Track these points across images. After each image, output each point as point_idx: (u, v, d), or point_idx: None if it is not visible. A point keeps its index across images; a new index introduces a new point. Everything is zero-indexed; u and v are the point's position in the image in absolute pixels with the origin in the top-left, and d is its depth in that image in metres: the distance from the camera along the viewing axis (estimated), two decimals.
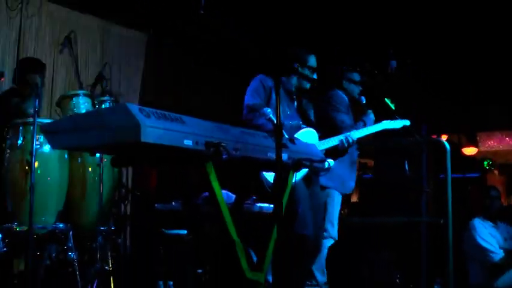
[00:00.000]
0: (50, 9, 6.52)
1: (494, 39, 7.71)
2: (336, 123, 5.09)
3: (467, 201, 6.57)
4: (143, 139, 2.62)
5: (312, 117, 4.80)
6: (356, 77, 5.42)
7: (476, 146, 12.72)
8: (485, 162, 12.38)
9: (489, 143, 13.33)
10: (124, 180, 6.17)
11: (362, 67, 5.08)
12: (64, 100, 5.32)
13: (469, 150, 12.55)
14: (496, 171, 14.07)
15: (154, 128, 2.69)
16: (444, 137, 9.95)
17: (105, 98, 5.49)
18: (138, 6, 6.68)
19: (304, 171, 4.18)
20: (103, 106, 5.40)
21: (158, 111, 2.83)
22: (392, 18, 7.04)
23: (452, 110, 9.57)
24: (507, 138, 13.16)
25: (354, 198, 8.74)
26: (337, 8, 6.80)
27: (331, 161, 4.20)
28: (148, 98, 7.32)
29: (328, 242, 5.02)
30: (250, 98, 4.48)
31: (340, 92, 5.35)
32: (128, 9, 6.74)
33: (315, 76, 4.73)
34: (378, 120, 5.18)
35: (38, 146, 4.46)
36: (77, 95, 5.28)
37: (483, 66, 8.52)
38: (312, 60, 4.76)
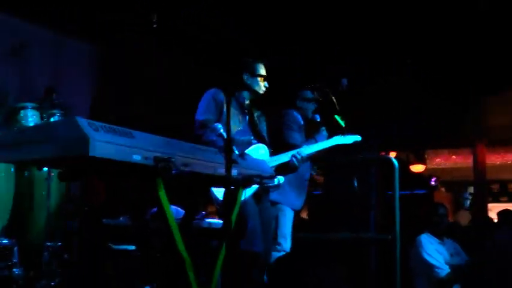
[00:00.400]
0: (0, 19, 6.41)
1: (443, 58, 7.89)
2: (287, 140, 5.11)
3: (415, 218, 6.66)
4: (91, 153, 2.60)
5: (264, 132, 4.80)
6: (309, 94, 5.46)
7: (423, 163, 12.96)
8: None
9: (436, 160, 13.61)
10: (72, 194, 6.08)
11: (314, 85, 5.12)
12: (12, 112, 5.22)
13: (417, 168, 12.77)
14: (442, 188, 14.34)
15: (103, 142, 2.67)
16: (393, 154, 10.10)
17: (54, 111, 5.41)
18: (90, 18, 6.62)
19: (254, 187, 4.18)
20: (52, 119, 5.32)
21: (107, 125, 2.80)
22: (344, 37, 7.14)
23: (401, 128, 9.74)
24: (453, 156, 13.45)
25: (304, 215, 8.80)
26: (289, 25, 6.87)
27: (281, 178, 4.23)
28: (99, 111, 7.24)
29: (279, 254, 5.04)
30: (201, 114, 4.46)
31: (295, 112, 5.38)
32: (80, 21, 6.68)
33: (266, 85, 4.72)
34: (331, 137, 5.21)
35: None
36: (25, 107, 5.19)
37: (431, 86, 8.70)
38: (262, 69, 4.70)
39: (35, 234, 5.06)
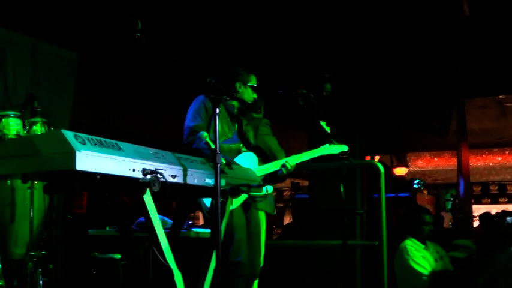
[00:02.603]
0: None
1: (425, 61, 7.91)
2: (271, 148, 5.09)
3: (399, 223, 6.67)
4: (78, 167, 2.55)
5: (252, 140, 4.77)
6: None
7: (406, 166, 13.04)
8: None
9: (418, 163, 13.69)
10: (55, 203, 6.01)
11: (297, 91, 5.09)
12: None
13: (400, 171, 12.85)
14: (425, 191, 14.43)
15: (90, 156, 2.63)
16: (376, 158, 10.13)
17: (36, 119, 5.34)
18: (69, 25, 6.55)
19: (243, 197, 4.16)
20: (34, 127, 5.25)
21: (94, 137, 2.76)
22: (326, 44, 7.14)
23: (384, 131, 9.76)
24: (435, 159, 13.54)
25: (287, 220, 8.79)
26: (271, 34, 6.86)
27: (270, 187, 4.21)
28: (80, 118, 7.18)
29: None
30: (190, 120, 4.40)
31: None
32: (60, 28, 6.61)
33: (255, 96, 4.71)
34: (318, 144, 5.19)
35: None
36: (7, 115, 5.11)
37: (412, 89, 8.73)
38: (253, 80, 4.72)
39: (17, 244, 4.98)
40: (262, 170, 4.56)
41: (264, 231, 4.68)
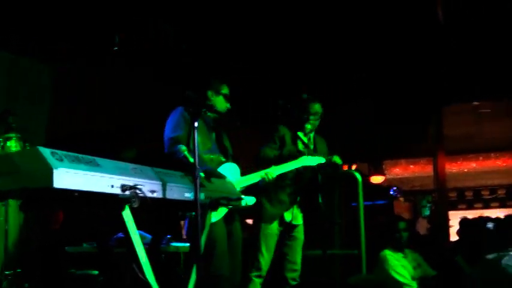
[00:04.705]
0: None
1: (402, 69, 7.97)
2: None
3: (376, 233, 6.68)
4: (56, 185, 2.52)
5: (231, 149, 4.76)
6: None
7: (382, 174, 13.06)
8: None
9: (395, 170, 13.74)
10: (31, 219, 5.93)
11: (276, 103, 5.10)
12: None
13: (376, 179, 12.87)
14: (401, 198, 14.49)
15: (67, 173, 2.59)
16: (353, 166, 10.15)
17: (10, 135, 5.27)
18: (46, 39, 6.49)
19: (224, 209, 4.14)
20: (8, 143, 5.19)
21: (71, 154, 2.72)
22: (303, 53, 7.16)
23: (360, 139, 9.81)
24: (412, 166, 13.60)
25: None
26: (244, 46, 6.86)
27: (252, 198, 4.20)
28: (56, 133, 7.09)
29: None
30: (171, 131, 4.37)
31: None
32: (36, 42, 6.54)
33: (229, 105, 4.70)
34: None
35: None
36: None
37: (386, 98, 8.79)
38: (225, 89, 4.69)
39: None
40: (243, 181, 4.55)
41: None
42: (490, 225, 5.56)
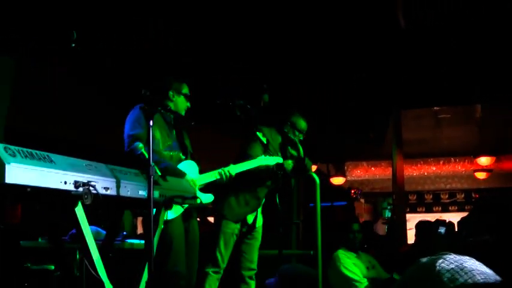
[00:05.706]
0: None
1: (362, 72, 8.04)
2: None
3: (334, 233, 6.79)
4: (8, 180, 2.54)
5: (190, 147, 4.80)
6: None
7: (343, 175, 13.22)
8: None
9: (356, 172, 13.91)
10: None
11: (234, 102, 5.13)
12: None
13: (337, 180, 13.02)
14: (362, 200, 14.69)
15: (20, 168, 2.61)
16: (314, 167, 10.25)
17: None
18: (6, 30, 6.42)
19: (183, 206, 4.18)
20: None
21: (25, 149, 2.74)
22: (263, 53, 7.19)
23: (321, 140, 9.87)
24: (373, 168, 13.78)
25: None
26: (210, 44, 6.87)
27: (210, 196, 4.25)
28: (16, 127, 7.02)
29: None
30: (131, 129, 4.37)
31: None
32: None
33: (189, 105, 4.75)
34: None
35: None
36: None
37: (349, 100, 8.86)
38: (186, 88, 4.75)
39: None
40: (202, 178, 4.60)
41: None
42: (441, 229, 5.68)
